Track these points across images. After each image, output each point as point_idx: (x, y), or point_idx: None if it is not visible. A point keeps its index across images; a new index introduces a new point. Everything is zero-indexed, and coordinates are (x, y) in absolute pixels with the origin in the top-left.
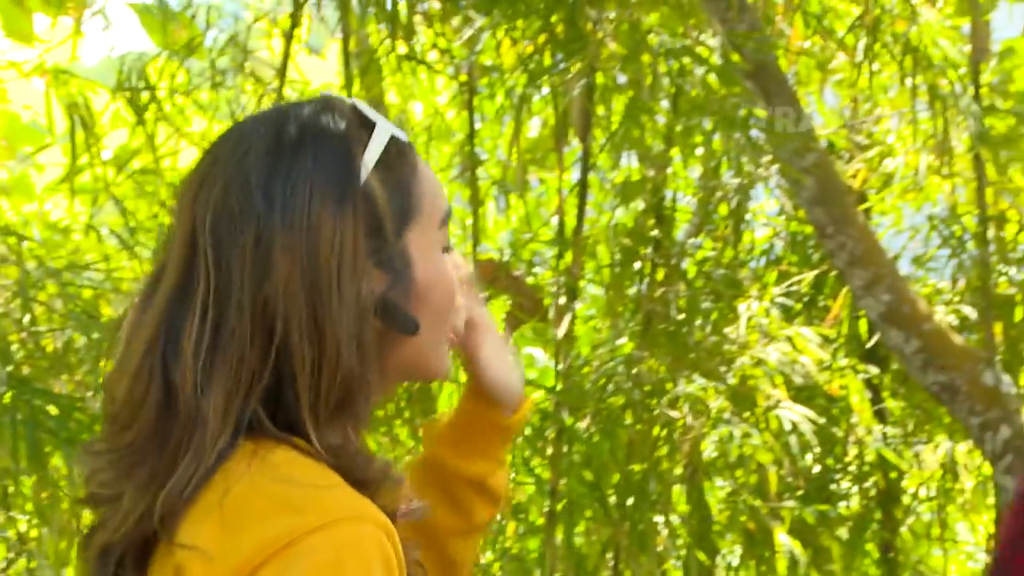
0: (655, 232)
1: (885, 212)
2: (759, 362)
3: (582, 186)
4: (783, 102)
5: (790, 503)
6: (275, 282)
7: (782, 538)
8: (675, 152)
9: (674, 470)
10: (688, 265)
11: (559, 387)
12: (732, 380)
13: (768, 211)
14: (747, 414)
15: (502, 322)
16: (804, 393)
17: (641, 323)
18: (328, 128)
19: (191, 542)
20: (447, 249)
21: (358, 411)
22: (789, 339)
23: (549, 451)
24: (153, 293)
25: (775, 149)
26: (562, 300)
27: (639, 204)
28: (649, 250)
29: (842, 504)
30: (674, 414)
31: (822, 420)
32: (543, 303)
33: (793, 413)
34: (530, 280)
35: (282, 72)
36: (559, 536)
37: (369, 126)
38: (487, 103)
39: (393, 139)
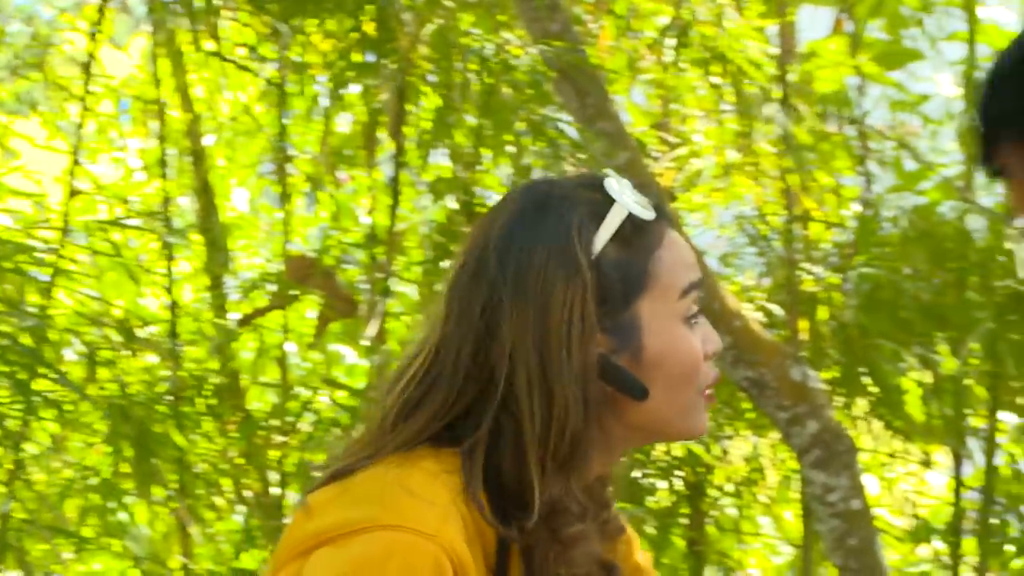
0: (466, 230)
1: (693, 210)
2: None
3: (394, 183)
4: (596, 101)
5: None
6: (502, 343)
7: None
8: (486, 151)
9: None
10: None
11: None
12: None
13: None
14: None
15: (314, 320)
16: None
17: None
18: (569, 203)
19: (309, 499)
20: (693, 318)
21: (580, 466)
22: None
23: None
24: None
25: (586, 147)
26: (374, 298)
27: (451, 202)
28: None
29: (650, 499)
30: None
31: None
32: (355, 301)
33: None
34: (341, 278)
35: (87, 67)
36: None
37: (609, 202)
38: (296, 100)
39: (631, 216)
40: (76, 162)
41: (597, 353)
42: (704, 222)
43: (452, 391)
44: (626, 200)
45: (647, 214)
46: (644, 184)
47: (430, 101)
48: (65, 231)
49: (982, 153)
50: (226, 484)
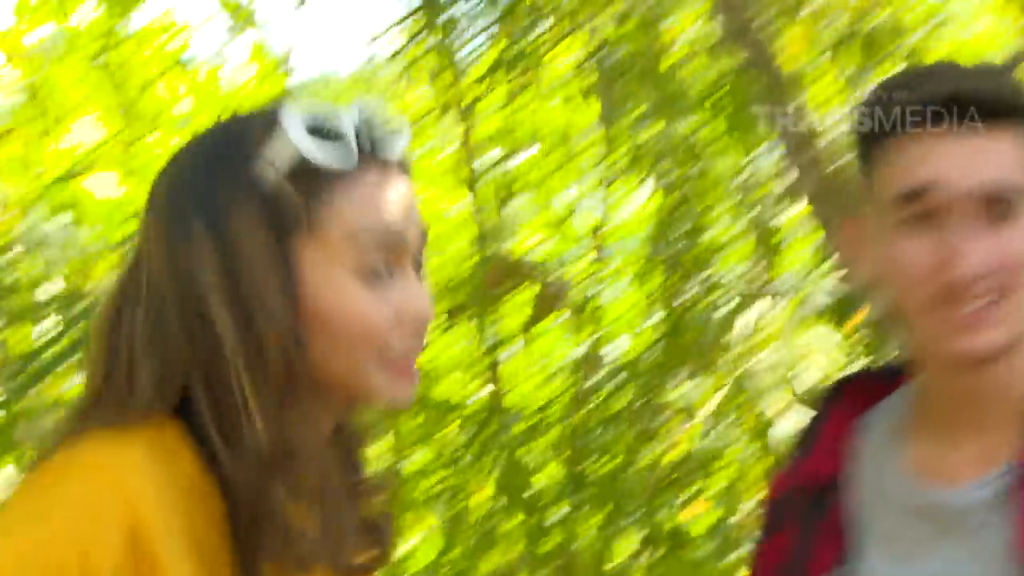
0: None
1: None
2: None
3: None
4: None
5: None
6: (198, 282)
7: None
8: None
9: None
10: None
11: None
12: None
13: None
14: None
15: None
16: None
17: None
18: (245, 136)
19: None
20: (377, 275)
21: (297, 403)
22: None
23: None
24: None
25: None
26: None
27: None
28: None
29: None
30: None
31: None
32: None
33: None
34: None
35: None
36: None
37: (282, 136)
38: None
39: (300, 153)
40: None
41: (270, 282)
42: None
43: (175, 349)
44: (295, 135)
45: (320, 155)
46: (374, 122)
47: None
48: None
49: None
50: None
